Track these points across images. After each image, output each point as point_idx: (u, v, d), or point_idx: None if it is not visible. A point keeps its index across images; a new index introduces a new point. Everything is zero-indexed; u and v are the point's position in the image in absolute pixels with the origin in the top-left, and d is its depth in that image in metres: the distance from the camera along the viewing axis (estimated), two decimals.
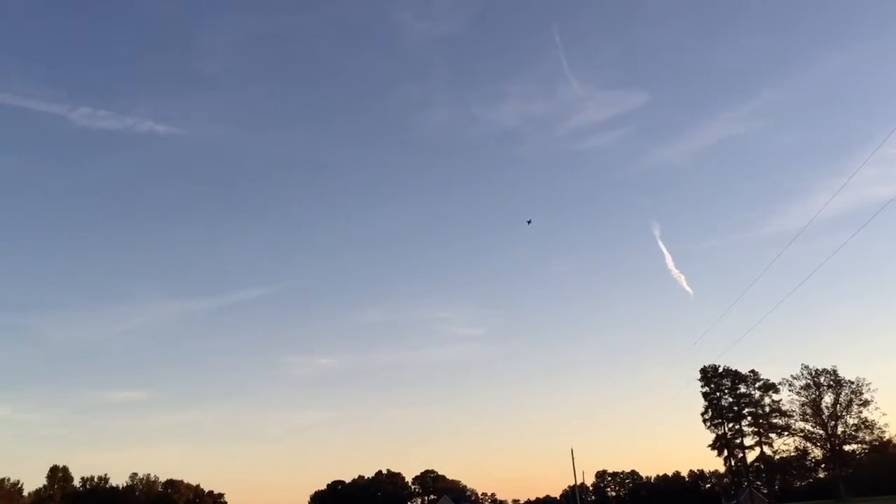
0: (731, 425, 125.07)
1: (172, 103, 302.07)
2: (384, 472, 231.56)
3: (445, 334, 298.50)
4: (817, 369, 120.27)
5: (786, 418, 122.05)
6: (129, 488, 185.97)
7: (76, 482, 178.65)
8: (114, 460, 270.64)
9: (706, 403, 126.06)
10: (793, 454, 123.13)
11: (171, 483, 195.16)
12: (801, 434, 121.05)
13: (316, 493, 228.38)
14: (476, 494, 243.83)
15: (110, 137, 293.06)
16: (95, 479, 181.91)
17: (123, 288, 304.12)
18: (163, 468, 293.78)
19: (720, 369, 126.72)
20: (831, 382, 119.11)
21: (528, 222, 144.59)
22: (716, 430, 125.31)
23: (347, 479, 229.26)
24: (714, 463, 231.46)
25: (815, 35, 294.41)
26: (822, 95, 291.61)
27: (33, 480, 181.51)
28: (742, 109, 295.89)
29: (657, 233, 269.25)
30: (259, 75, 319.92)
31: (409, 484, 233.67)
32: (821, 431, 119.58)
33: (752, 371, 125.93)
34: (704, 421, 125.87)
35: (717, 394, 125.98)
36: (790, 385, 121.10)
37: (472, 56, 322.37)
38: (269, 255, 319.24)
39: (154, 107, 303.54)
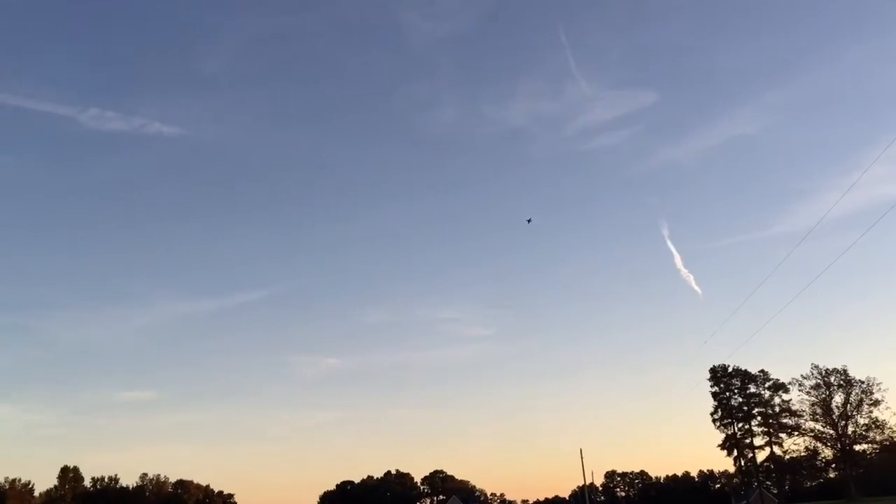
0: (740, 425, 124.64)
1: (180, 104, 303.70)
2: (393, 472, 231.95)
3: (454, 334, 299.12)
4: (827, 369, 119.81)
5: (796, 418, 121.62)
6: (139, 488, 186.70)
7: (87, 482, 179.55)
8: (123, 460, 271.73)
9: (715, 403, 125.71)
10: (803, 454, 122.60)
11: (180, 483, 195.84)
12: (812, 434, 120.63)
13: (325, 493, 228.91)
14: (485, 495, 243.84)
15: (118, 138, 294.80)
16: (106, 480, 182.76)
17: (131, 288, 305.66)
18: (172, 468, 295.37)
19: (730, 369, 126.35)
20: (841, 382, 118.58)
21: (528, 221, 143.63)
22: (725, 430, 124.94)
23: (356, 480, 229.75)
24: (724, 463, 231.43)
25: (823, 34, 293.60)
26: (830, 94, 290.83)
27: (44, 481, 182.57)
28: (750, 108, 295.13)
29: (666, 232, 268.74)
30: (264, 76, 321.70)
31: (418, 484, 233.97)
32: (831, 431, 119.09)
33: (762, 371, 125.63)
34: (714, 421, 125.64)
35: (727, 394, 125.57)
36: (800, 385, 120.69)
37: (480, 55, 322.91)
38: (276, 254, 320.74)
39: (161, 108, 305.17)
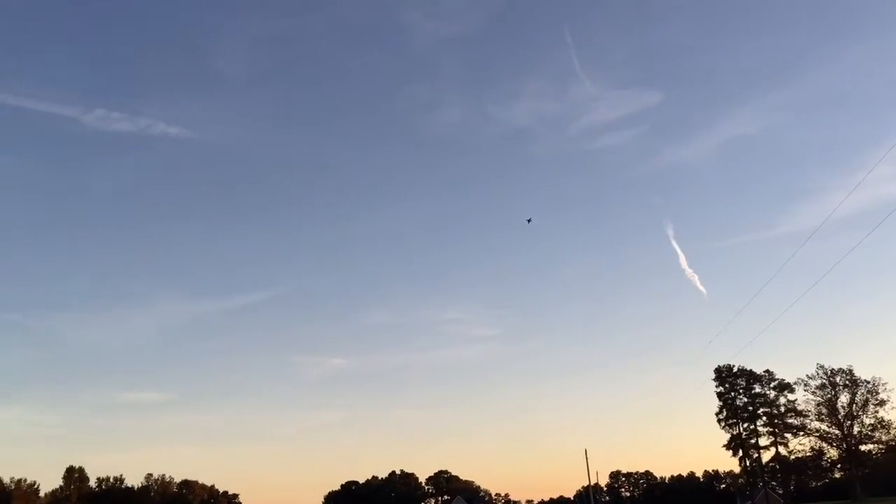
0: (745, 425, 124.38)
1: (185, 105, 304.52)
2: (398, 472, 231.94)
3: (458, 335, 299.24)
4: (833, 369, 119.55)
5: (801, 418, 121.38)
6: (145, 489, 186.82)
7: (92, 483, 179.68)
8: (129, 461, 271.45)
9: (721, 403, 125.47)
10: (808, 454, 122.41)
11: (185, 483, 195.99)
12: (817, 434, 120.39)
13: (330, 493, 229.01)
14: (489, 495, 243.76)
15: (123, 139, 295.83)
16: (111, 480, 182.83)
17: (137, 289, 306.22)
18: (177, 469, 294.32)
19: (735, 369, 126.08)
20: (847, 382, 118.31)
21: (529, 220, 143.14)
22: (730, 431, 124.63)
23: (361, 480, 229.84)
24: (729, 463, 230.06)
25: (826, 33, 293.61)
26: (835, 93, 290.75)
27: (50, 481, 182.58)
28: (755, 108, 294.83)
29: (671, 232, 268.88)
30: (269, 77, 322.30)
31: (423, 484, 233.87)
32: (837, 431, 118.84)
33: (767, 371, 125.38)
34: (719, 421, 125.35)
35: (732, 394, 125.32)
36: (805, 385, 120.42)
37: (484, 56, 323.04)
38: (280, 255, 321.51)
39: (167, 109, 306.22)
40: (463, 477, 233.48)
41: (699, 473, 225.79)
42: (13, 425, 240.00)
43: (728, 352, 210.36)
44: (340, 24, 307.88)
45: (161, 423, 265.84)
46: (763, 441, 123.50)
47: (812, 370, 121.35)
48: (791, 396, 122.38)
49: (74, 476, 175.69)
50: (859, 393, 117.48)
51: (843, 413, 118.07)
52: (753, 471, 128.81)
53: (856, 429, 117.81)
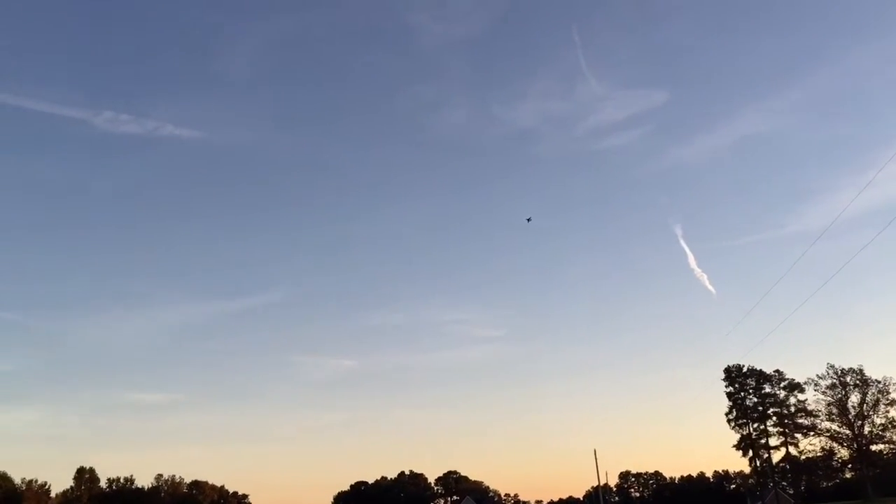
0: (755, 425, 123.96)
1: (192, 107, 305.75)
2: (407, 473, 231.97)
3: (466, 335, 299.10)
4: (843, 368, 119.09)
5: (811, 418, 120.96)
6: (155, 489, 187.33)
7: (102, 483, 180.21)
8: (139, 461, 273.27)
9: (730, 403, 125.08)
10: (819, 454, 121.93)
11: (195, 484, 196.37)
12: (828, 434, 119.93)
13: (339, 493, 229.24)
14: (499, 495, 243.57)
15: (131, 141, 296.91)
16: (121, 480, 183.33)
17: (146, 290, 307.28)
18: (187, 469, 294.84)
19: (744, 369, 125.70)
20: (857, 382, 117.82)
21: (528, 220, 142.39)
22: (740, 431, 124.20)
23: (370, 480, 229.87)
24: (739, 463, 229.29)
25: (834, 32, 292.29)
26: (844, 92, 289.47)
27: (60, 482, 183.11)
28: (762, 107, 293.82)
29: (679, 232, 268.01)
30: (275, 78, 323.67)
31: (432, 485, 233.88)
32: (847, 431, 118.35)
33: (777, 371, 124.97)
34: (729, 421, 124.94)
35: (742, 394, 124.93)
36: (816, 385, 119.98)
37: (489, 56, 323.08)
38: (288, 256, 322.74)
39: (173, 111, 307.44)
40: (472, 477, 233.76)
41: (709, 474, 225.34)
42: (24, 426, 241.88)
43: (737, 351, 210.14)
44: (346, 25, 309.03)
45: (172, 423, 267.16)
46: (773, 441, 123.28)
47: (822, 370, 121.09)
48: (801, 396, 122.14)
49: (85, 476, 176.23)
50: (870, 393, 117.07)
51: (853, 413, 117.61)
52: (764, 471, 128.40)
53: (866, 429, 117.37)
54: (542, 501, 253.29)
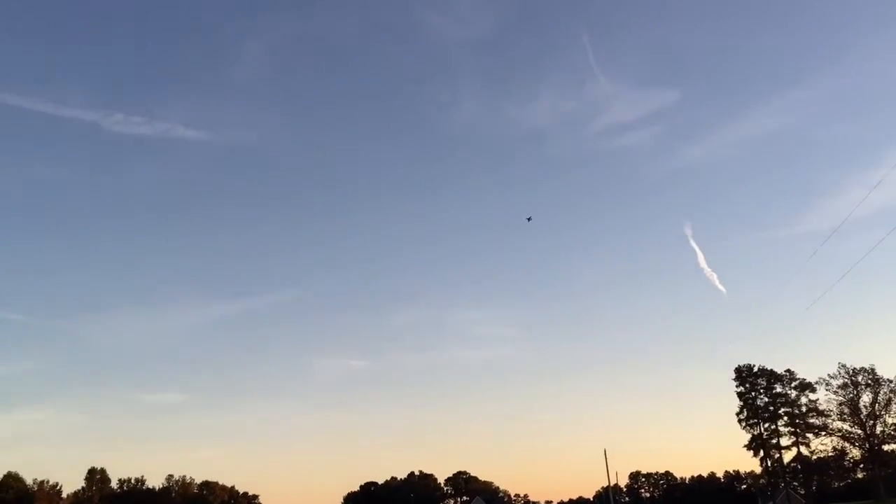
0: (766, 425, 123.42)
1: (203, 108, 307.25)
2: (416, 473, 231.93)
3: (477, 335, 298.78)
4: (854, 368, 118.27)
5: (823, 418, 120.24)
6: (165, 490, 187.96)
7: (113, 484, 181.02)
8: (150, 462, 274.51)
9: (741, 403, 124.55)
10: (830, 454, 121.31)
11: (206, 484, 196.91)
12: (839, 434, 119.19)
13: (349, 494, 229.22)
14: (509, 495, 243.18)
15: (144, 143, 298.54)
16: (132, 481, 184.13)
17: (158, 291, 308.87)
18: (198, 470, 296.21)
19: (755, 368, 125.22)
20: (869, 381, 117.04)
21: (528, 219, 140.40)
22: (751, 431, 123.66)
23: (380, 481, 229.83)
24: (750, 464, 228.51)
25: (845, 31, 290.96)
26: (854, 91, 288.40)
27: (72, 482, 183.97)
28: (774, 106, 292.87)
29: (689, 231, 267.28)
30: (288, 77, 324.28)
31: (442, 485, 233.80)
32: (859, 431, 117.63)
33: (788, 370, 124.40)
34: (739, 421, 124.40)
35: (753, 393, 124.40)
36: (827, 384, 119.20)
37: (501, 56, 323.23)
38: (301, 257, 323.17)
39: (185, 112, 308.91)
40: (482, 478, 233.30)
41: (720, 474, 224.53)
42: (36, 426, 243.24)
43: (748, 351, 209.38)
44: (356, 24, 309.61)
45: (182, 424, 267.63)
46: (784, 441, 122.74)
47: (833, 369, 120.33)
48: (812, 396, 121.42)
49: (96, 477, 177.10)
50: (882, 392, 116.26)
51: (865, 412, 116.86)
52: (775, 471, 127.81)
53: (878, 428, 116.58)
54: (552, 502, 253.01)
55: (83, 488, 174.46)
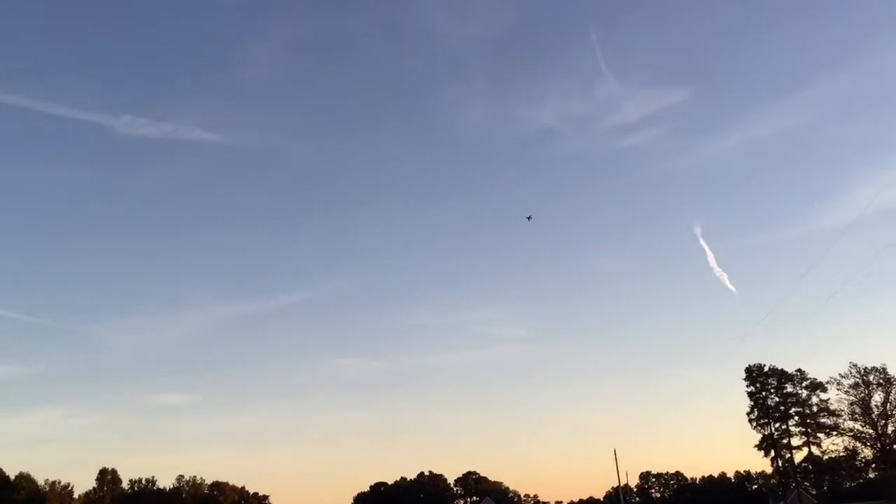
0: (777, 425, 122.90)
1: (219, 110, 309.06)
2: (426, 473, 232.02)
3: (487, 336, 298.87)
4: (866, 367, 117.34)
5: (834, 418, 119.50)
6: (176, 490, 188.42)
7: (124, 484, 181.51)
8: (161, 463, 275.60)
9: (752, 403, 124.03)
10: (842, 454, 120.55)
11: (216, 485, 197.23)
12: (851, 434, 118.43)
13: (359, 494, 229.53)
14: (518, 496, 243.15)
15: (158, 145, 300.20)
16: (143, 482, 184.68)
17: (171, 292, 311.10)
18: (208, 470, 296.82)
19: (766, 368, 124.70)
20: (881, 381, 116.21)
21: (529, 218, 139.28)
22: (762, 431, 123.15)
23: (390, 481, 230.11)
24: (761, 464, 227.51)
25: (859, 30, 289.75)
26: (864, 90, 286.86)
27: (83, 483, 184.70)
28: (782, 105, 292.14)
29: (698, 231, 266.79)
30: (300, 80, 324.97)
31: (451, 485, 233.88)
32: (871, 431, 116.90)
33: (799, 370, 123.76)
34: (750, 421, 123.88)
35: (763, 393, 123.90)
36: (838, 384, 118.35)
37: (510, 56, 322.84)
38: (314, 258, 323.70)
39: (194, 114, 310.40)
40: (492, 478, 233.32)
41: (730, 474, 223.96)
42: (48, 427, 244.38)
43: (758, 350, 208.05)
44: (366, 27, 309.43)
45: (192, 424, 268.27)
46: (795, 441, 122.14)
47: (845, 369, 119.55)
48: (823, 395, 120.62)
49: (107, 478, 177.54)
50: (893, 391, 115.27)
51: (876, 412, 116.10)
52: (786, 471, 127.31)
53: (890, 428, 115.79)
54: (562, 502, 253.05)
55: (94, 489, 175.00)
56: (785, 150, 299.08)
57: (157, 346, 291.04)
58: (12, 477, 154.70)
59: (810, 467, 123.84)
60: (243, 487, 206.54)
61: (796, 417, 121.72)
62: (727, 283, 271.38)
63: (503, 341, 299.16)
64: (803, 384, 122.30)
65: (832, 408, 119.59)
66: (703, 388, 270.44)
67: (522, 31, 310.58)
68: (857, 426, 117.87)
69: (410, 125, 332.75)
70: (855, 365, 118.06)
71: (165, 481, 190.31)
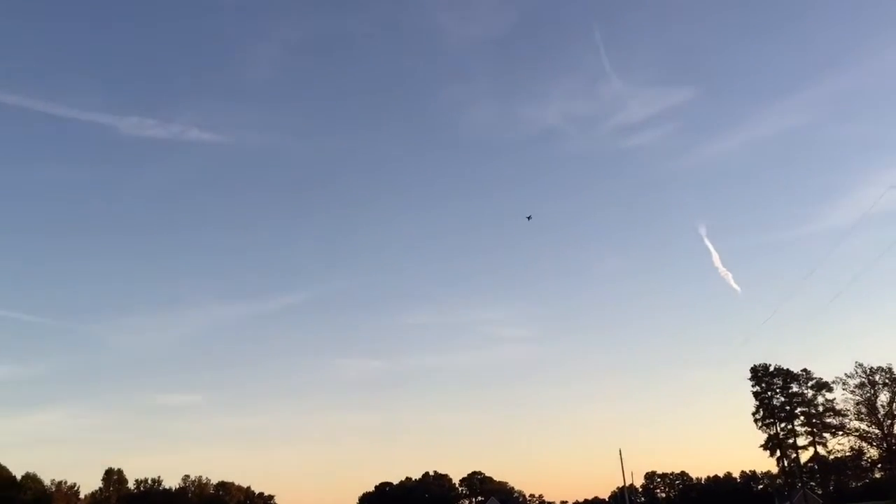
0: (783, 425, 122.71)
1: (220, 111, 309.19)
2: (431, 473, 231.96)
3: (492, 336, 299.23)
4: (872, 367, 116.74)
5: (840, 417, 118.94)
6: (182, 490, 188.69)
7: (130, 484, 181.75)
8: (167, 463, 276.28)
9: (757, 403, 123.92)
10: (848, 454, 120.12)
11: (222, 485, 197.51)
12: (856, 434, 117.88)
13: (364, 494, 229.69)
14: (523, 496, 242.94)
15: (159, 146, 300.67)
16: (149, 482, 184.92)
17: (174, 292, 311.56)
18: (214, 470, 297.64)
19: (771, 368, 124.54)
20: (887, 380, 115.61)
21: (529, 218, 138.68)
22: (767, 431, 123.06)
23: (395, 481, 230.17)
24: (766, 464, 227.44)
25: (864, 29, 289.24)
26: (869, 89, 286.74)
27: (89, 483, 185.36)
28: (787, 104, 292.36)
29: (703, 230, 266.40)
30: (302, 80, 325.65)
31: (457, 485, 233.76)
32: (876, 431, 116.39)
33: (804, 370, 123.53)
34: (756, 421, 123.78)
35: (769, 393, 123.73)
36: (844, 383, 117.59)
37: (514, 56, 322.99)
38: (317, 258, 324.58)
39: (199, 115, 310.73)
40: (497, 478, 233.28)
41: (736, 474, 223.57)
42: (54, 428, 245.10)
43: (764, 350, 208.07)
44: (370, 27, 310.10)
45: (198, 424, 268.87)
46: (801, 441, 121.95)
47: (850, 368, 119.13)
48: (829, 395, 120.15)
49: (113, 478, 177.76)
50: None
51: (882, 412, 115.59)
52: (792, 471, 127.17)
53: None
54: (567, 502, 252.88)
55: (100, 489, 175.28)
56: (789, 149, 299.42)
57: (158, 346, 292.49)
58: (19, 477, 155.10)
59: (816, 467, 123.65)
60: (248, 487, 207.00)
61: (802, 417, 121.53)
62: (732, 282, 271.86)
63: (506, 341, 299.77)
64: (809, 384, 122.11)
65: (838, 407, 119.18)
66: (707, 388, 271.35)
67: (525, 30, 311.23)
68: (863, 426, 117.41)
69: (412, 125, 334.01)
70: (861, 364, 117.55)
71: (171, 481, 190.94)
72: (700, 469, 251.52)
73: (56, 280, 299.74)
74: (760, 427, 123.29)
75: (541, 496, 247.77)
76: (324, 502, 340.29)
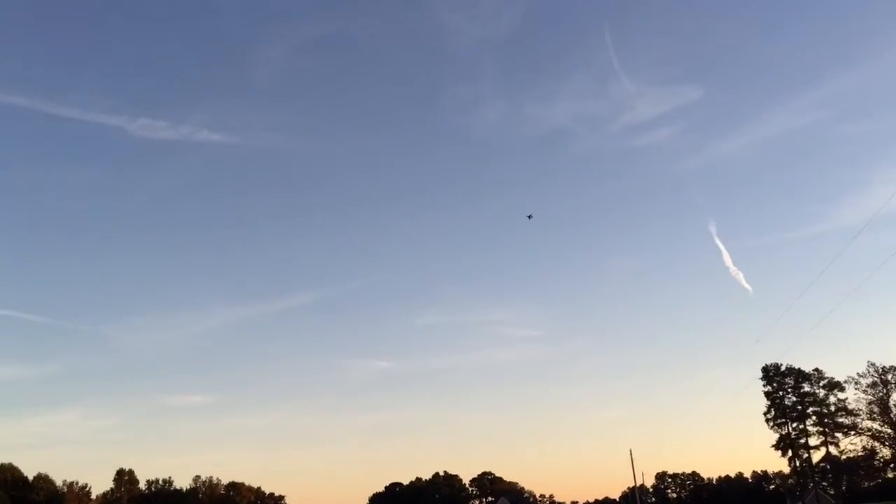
0: (795, 425, 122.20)
1: (229, 112, 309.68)
2: (441, 474, 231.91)
3: (502, 336, 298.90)
4: (884, 366, 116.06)
5: (852, 417, 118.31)
6: (193, 491, 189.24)
7: (142, 485, 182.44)
8: (178, 463, 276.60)
9: (769, 403, 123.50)
10: (860, 454, 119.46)
11: (233, 485, 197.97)
12: (869, 433, 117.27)
13: (374, 495, 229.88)
14: (534, 496, 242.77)
15: (169, 147, 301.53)
16: (160, 482, 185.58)
17: (186, 293, 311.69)
18: (225, 471, 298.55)
19: (782, 368, 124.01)
20: None
21: (529, 217, 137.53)
22: (779, 431, 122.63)
23: (405, 482, 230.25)
24: (778, 464, 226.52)
25: (874, 27, 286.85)
26: (879, 88, 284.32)
27: (101, 483, 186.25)
28: (797, 103, 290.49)
29: (713, 230, 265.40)
30: (310, 81, 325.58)
31: (467, 486, 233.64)
32: (889, 430, 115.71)
33: (816, 369, 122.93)
34: (767, 421, 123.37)
35: (780, 393, 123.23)
36: (856, 383, 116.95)
37: (522, 56, 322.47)
38: (328, 258, 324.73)
39: (209, 116, 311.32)
40: (507, 478, 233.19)
41: (748, 474, 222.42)
42: (66, 428, 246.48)
43: (775, 350, 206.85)
44: (378, 27, 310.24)
45: (209, 425, 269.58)
46: (813, 441, 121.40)
47: (863, 368, 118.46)
48: (841, 395, 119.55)
49: (125, 478, 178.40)
50: None
51: (895, 412, 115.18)
52: (803, 471, 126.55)
53: None
54: (577, 502, 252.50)
55: (112, 489, 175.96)
56: (799, 148, 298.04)
57: (168, 346, 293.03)
58: (31, 477, 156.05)
59: (828, 467, 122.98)
60: (259, 488, 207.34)
61: (814, 417, 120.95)
62: (743, 281, 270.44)
63: (517, 341, 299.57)
64: (821, 384, 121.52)
65: (850, 407, 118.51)
66: (719, 388, 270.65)
67: (533, 30, 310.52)
68: (876, 426, 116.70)
69: (421, 125, 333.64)
70: (873, 364, 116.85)
71: (182, 482, 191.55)
72: (711, 469, 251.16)
73: (65, 281, 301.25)
74: (772, 427, 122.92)
75: (551, 496, 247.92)
76: (334, 502, 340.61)
